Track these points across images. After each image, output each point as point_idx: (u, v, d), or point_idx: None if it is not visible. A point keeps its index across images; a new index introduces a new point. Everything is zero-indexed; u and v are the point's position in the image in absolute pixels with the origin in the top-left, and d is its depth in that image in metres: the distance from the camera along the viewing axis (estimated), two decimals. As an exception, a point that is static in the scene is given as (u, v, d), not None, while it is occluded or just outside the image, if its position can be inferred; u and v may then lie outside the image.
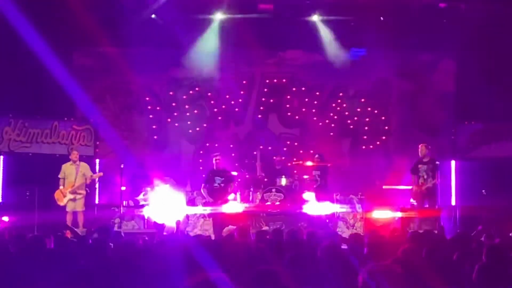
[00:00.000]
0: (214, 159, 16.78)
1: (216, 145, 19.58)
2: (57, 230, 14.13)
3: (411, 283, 5.19)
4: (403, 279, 4.95)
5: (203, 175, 17.23)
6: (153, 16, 18.12)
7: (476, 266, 6.21)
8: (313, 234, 9.83)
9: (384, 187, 18.21)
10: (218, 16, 18.62)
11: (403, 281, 4.93)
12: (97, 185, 18.66)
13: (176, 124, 20.06)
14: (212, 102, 20.16)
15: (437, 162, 16.67)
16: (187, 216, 16.90)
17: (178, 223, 14.60)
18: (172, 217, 16.08)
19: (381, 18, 18.41)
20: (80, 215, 15.90)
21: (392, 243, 8.73)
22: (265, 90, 20.32)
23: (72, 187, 15.75)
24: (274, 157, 18.57)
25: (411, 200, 16.87)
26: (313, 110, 20.17)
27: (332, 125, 20.19)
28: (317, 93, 20.27)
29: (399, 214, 16.32)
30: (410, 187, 16.98)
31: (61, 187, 15.83)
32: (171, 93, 20.12)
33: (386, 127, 20.23)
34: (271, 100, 20.30)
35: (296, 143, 20.18)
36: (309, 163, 17.84)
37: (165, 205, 16.68)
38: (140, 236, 14.07)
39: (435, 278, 5.21)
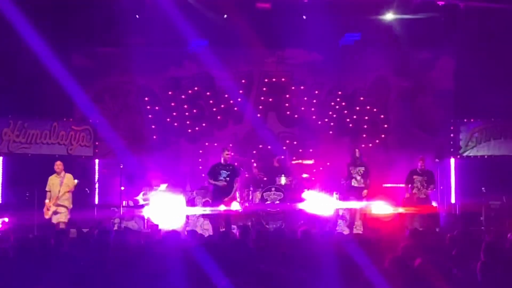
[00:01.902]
0: (225, 153, 16.23)
1: (216, 144, 19.58)
2: (58, 230, 14.20)
3: (411, 280, 5.19)
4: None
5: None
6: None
7: (478, 264, 6.22)
8: (308, 232, 9.81)
9: (383, 185, 18.23)
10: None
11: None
12: (96, 185, 18.70)
13: (175, 124, 20.06)
14: (211, 101, 20.17)
15: (433, 172, 16.86)
16: (187, 217, 16.90)
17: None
18: (171, 217, 16.10)
19: (380, 18, 18.45)
20: (62, 225, 15.08)
21: (392, 241, 8.75)
22: (264, 89, 20.32)
23: (56, 199, 15.13)
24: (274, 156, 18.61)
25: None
26: (312, 109, 20.18)
27: (331, 123, 20.20)
28: (316, 92, 20.28)
29: (398, 212, 16.35)
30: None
31: (46, 201, 15.23)
32: (170, 92, 20.13)
33: (385, 126, 20.24)
34: (270, 99, 20.31)
35: (295, 142, 20.18)
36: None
37: (165, 205, 16.66)
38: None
39: (435, 275, 5.21)
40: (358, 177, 17.05)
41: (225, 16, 18.38)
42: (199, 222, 16.96)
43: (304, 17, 18.30)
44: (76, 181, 15.29)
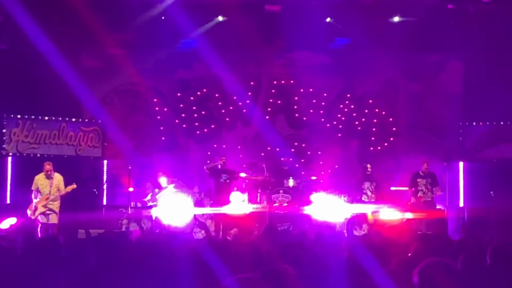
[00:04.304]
0: (221, 159, 17.23)
1: (224, 146, 19.61)
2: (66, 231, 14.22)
3: (419, 283, 5.18)
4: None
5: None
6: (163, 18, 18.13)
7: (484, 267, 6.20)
8: (321, 235, 9.82)
9: (392, 188, 18.19)
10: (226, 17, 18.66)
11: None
12: (105, 186, 18.73)
13: (184, 125, 20.08)
14: (219, 103, 20.17)
15: (435, 175, 16.83)
16: (195, 217, 16.92)
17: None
18: (179, 217, 16.13)
19: (388, 20, 18.46)
20: (54, 228, 14.91)
21: (400, 244, 8.73)
22: (273, 91, 20.32)
23: (46, 201, 14.85)
24: (282, 158, 18.62)
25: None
26: (321, 111, 20.16)
27: (340, 126, 20.18)
28: (325, 94, 20.26)
29: (407, 216, 16.31)
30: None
31: (35, 200, 14.95)
32: (178, 94, 20.15)
33: (394, 128, 20.21)
34: (279, 101, 20.30)
35: (303, 145, 20.16)
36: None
37: (173, 206, 16.68)
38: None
39: (443, 279, 5.20)
40: (369, 193, 17.05)
41: (220, 19, 18.48)
42: (207, 223, 16.97)
43: (328, 19, 18.38)
44: (74, 185, 15.13)
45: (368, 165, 17.46)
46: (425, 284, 4.95)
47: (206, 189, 18.25)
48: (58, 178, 15.13)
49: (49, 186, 14.97)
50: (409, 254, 7.45)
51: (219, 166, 17.17)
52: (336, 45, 19.26)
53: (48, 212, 14.90)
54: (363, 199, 17.10)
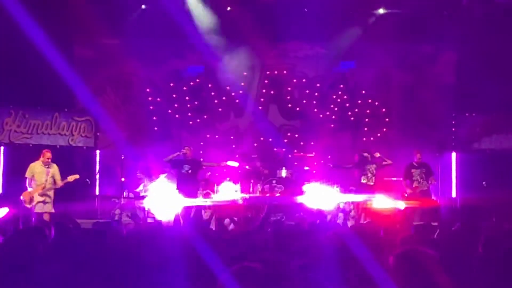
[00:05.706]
0: (182, 150, 16.44)
1: (217, 136, 19.59)
2: (58, 221, 14.17)
3: (413, 275, 5.18)
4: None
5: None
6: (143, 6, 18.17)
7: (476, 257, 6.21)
8: (315, 224, 9.82)
9: (385, 178, 18.20)
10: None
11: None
12: (97, 177, 18.71)
13: (177, 116, 20.06)
14: (212, 93, 20.14)
15: (429, 164, 16.81)
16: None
17: (177, 217, 14.59)
18: (171, 208, 16.08)
19: (382, 11, 18.49)
20: (47, 216, 14.64)
21: (393, 234, 8.73)
22: (266, 81, 20.31)
23: (42, 189, 14.63)
24: (275, 149, 18.61)
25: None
26: (314, 102, 20.17)
27: (333, 117, 20.18)
28: (318, 85, 20.26)
29: (400, 205, 16.32)
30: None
31: (29, 189, 14.74)
32: (171, 84, 20.11)
33: (387, 119, 20.22)
34: (272, 92, 20.30)
35: (296, 135, 20.16)
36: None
37: (165, 197, 16.63)
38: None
39: (436, 270, 5.20)
40: (370, 174, 16.93)
41: (228, 8, 18.42)
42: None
43: (306, 9, 18.28)
44: (77, 175, 14.96)
45: (365, 154, 17.23)
46: (400, 269, 4.99)
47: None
48: (54, 167, 14.98)
49: (46, 175, 14.78)
50: (398, 245, 7.44)
51: (183, 157, 16.45)
52: (341, 68, 19.46)
53: (46, 200, 14.71)
54: (362, 180, 16.95)
